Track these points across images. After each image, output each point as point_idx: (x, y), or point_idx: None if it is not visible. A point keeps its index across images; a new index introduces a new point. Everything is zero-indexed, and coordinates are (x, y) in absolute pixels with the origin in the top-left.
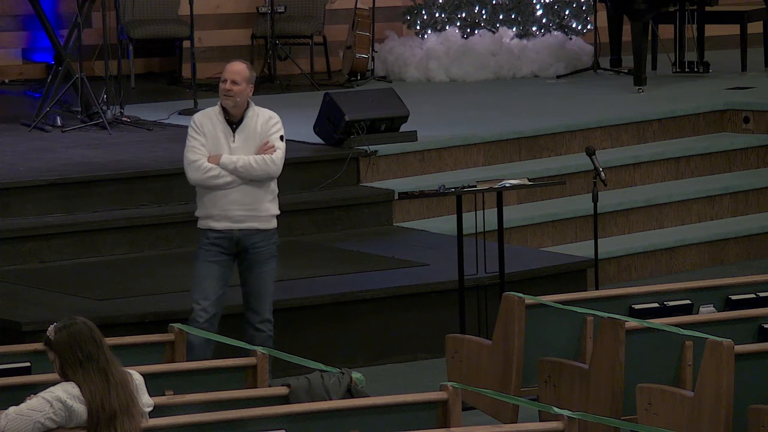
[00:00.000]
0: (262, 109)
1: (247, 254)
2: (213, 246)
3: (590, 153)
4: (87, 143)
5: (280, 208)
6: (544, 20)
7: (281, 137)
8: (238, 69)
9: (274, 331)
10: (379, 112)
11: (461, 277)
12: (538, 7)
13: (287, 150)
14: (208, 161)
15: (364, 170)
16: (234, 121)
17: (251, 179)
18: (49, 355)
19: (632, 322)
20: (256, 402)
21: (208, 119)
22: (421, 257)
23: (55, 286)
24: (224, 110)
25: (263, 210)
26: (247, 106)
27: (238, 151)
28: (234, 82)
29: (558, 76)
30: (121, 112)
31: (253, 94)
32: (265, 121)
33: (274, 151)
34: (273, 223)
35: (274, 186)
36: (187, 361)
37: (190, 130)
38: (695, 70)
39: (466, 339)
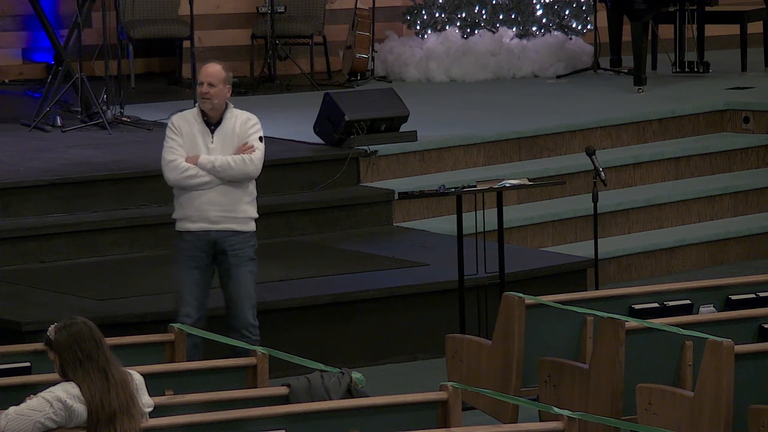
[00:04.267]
0: (241, 110)
1: (225, 257)
2: (191, 250)
3: (590, 153)
4: (87, 143)
5: (279, 208)
6: (544, 20)
7: (260, 138)
8: (214, 71)
9: (273, 331)
10: (379, 112)
11: (461, 277)
12: (538, 7)
13: (266, 151)
14: (186, 161)
15: (364, 170)
16: (212, 123)
17: (229, 179)
18: (49, 354)
19: (632, 322)
20: (256, 402)
21: (185, 121)
22: (421, 257)
23: (55, 286)
24: (202, 112)
25: (240, 211)
26: (226, 108)
27: (216, 152)
28: (211, 85)
29: (558, 76)
30: (121, 112)
31: (253, 94)
32: (244, 123)
33: (253, 151)
34: (251, 226)
35: (252, 188)
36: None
37: (167, 131)
38: (695, 70)
39: (466, 339)
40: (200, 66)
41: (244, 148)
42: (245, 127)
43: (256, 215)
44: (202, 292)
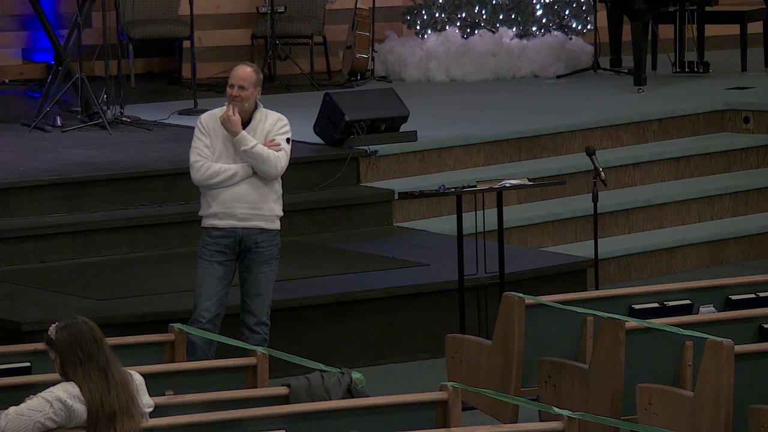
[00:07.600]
0: (271, 111)
1: (249, 254)
2: (215, 245)
3: (590, 153)
4: (87, 143)
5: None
6: (544, 20)
7: (288, 140)
8: (245, 75)
9: (273, 331)
10: (379, 112)
11: (461, 277)
12: (538, 7)
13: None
14: (233, 120)
15: (364, 170)
16: (241, 123)
17: (258, 167)
18: (50, 354)
19: (632, 322)
20: (256, 402)
21: (214, 120)
22: (421, 257)
23: (55, 286)
24: None
25: (267, 209)
26: (255, 108)
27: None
28: (242, 88)
29: (558, 76)
30: (121, 112)
31: None
32: (273, 123)
33: (280, 150)
34: (276, 224)
35: (278, 186)
36: (188, 361)
37: (195, 130)
38: (695, 70)
39: (466, 339)
40: (201, 66)
41: (270, 145)
42: (275, 128)
43: (281, 213)
44: (223, 288)
